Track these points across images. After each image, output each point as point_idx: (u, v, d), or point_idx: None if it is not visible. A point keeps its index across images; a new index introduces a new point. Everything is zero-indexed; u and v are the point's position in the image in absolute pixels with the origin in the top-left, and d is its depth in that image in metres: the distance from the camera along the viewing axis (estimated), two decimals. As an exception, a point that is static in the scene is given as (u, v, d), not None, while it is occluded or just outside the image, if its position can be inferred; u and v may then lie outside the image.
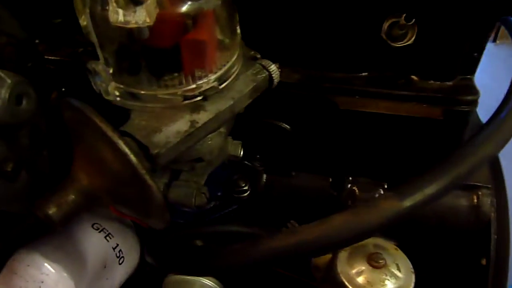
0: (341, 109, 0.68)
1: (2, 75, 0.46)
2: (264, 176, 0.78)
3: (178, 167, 0.60)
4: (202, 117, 0.46)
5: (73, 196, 0.39)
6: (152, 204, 0.39)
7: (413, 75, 0.69)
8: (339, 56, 0.69)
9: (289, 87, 0.69)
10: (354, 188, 0.76)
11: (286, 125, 0.74)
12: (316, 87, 0.69)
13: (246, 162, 0.78)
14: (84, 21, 0.46)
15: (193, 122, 0.45)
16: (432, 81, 0.68)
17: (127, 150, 0.35)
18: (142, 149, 0.42)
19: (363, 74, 0.70)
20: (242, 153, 0.67)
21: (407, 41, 0.65)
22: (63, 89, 0.70)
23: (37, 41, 0.79)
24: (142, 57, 0.45)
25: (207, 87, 0.47)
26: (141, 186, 0.37)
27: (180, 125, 0.45)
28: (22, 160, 0.53)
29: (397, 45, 0.65)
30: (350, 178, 0.76)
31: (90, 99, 0.54)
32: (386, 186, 0.75)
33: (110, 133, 0.35)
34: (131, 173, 0.36)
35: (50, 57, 0.75)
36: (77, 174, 0.39)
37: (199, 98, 0.47)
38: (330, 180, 0.77)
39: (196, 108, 0.47)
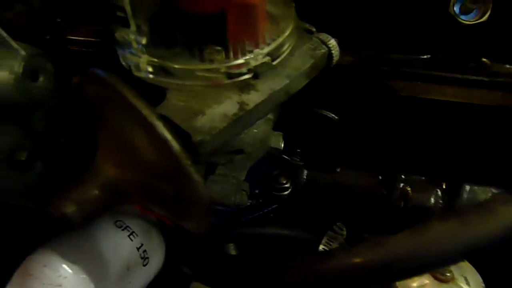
0: (401, 95, 0.59)
1: (16, 46, 0.39)
2: (305, 172, 0.70)
3: (214, 160, 0.51)
4: (253, 98, 0.38)
5: (96, 192, 0.31)
6: (195, 205, 0.31)
7: (484, 57, 0.60)
8: (398, 34, 0.59)
9: (338, 71, 0.60)
10: (407, 187, 0.67)
11: (332, 115, 0.65)
12: (371, 70, 0.60)
13: (285, 156, 0.69)
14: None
15: (242, 104, 0.37)
16: (508, 65, 0.59)
17: (168, 135, 0.27)
18: (181, 136, 0.34)
19: (426, 56, 0.61)
20: (283, 145, 0.59)
21: (479, 18, 0.55)
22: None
23: (58, 19, 0.73)
24: (181, 24, 0.37)
25: (258, 62, 0.39)
26: (183, 181, 0.29)
27: (227, 107, 0.37)
28: (37, 148, 0.46)
29: (468, 23, 0.56)
30: (403, 176, 0.67)
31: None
32: (444, 186, 0.67)
33: (146, 111, 0.27)
34: (172, 165, 0.28)
35: (71, 37, 0.68)
36: (101, 165, 0.31)
37: (248, 75, 0.39)
38: (380, 177, 0.68)
39: (246, 87, 0.38)
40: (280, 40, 0.40)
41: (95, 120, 0.33)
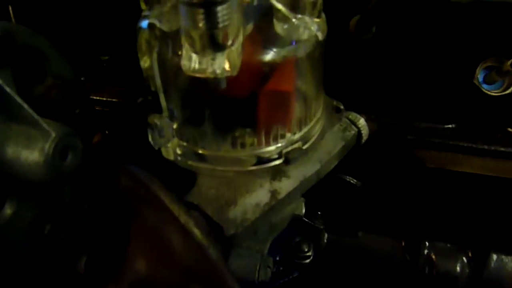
0: (427, 167, 0.58)
1: (46, 127, 0.38)
2: (326, 235, 0.68)
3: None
4: (285, 186, 0.37)
5: (128, 290, 0.30)
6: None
7: (510, 128, 0.59)
8: (424, 103, 0.59)
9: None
10: (432, 254, 0.65)
11: (355, 180, 0.64)
12: (396, 138, 0.59)
13: (306, 219, 0.68)
14: (145, 62, 0.39)
15: (274, 193, 0.36)
16: (537, 136, 0.58)
17: (205, 242, 0.26)
18: (213, 227, 0.33)
19: (452, 125, 0.60)
20: (304, 211, 0.58)
21: (504, 90, 0.55)
22: (107, 132, 0.64)
23: (82, 78, 0.74)
24: (213, 109, 0.37)
25: (289, 148, 0.38)
26: (219, 287, 0.28)
27: (259, 196, 0.36)
28: (61, 220, 0.45)
29: (493, 94, 0.55)
30: (427, 242, 0.65)
31: (135, 144, 0.46)
32: (470, 254, 0.64)
33: (183, 218, 0.26)
34: (210, 270, 0.27)
35: (95, 97, 0.69)
36: (133, 261, 0.30)
37: (279, 161, 0.38)
38: (403, 243, 0.66)
39: (277, 173, 0.38)
40: (311, 124, 0.40)
41: (126, 211, 0.33)
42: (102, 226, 0.41)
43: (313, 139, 0.41)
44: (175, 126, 0.38)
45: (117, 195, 0.33)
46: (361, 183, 0.64)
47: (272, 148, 0.38)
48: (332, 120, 0.43)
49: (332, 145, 0.41)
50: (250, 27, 0.36)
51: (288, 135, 0.39)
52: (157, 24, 0.35)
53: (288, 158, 0.38)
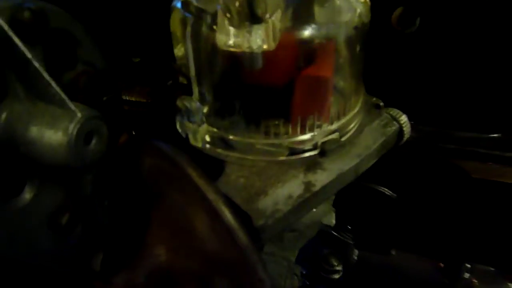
0: (472, 178, 0.53)
1: (73, 107, 0.37)
2: (356, 251, 0.64)
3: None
4: (321, 178, 0.34)
5: (143, 280, 0.27)
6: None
7: None
8: (465, 111, 0.55)
9: (403, 146, 0.56)
10: (473, 279, 0.60)
11: (390, 192, 0.60)
12: (436, 148, 0.55)
13: (335, 233, 0.64)
14: (180, 50, 0.37)
15: (308, 185, 0.33)
16: None
17: (235, 224, 0.23)
18: (242, 217, 0.30)
19: (497, 135, 0.56)
20: (334, 222, 0.54)
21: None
22: (133, 132, 0.62)
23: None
24: (246, 94, 0.35)
25: (325, 139, 0.35)
26: (247, 278, 0.25)
27: (292, 187, 0.33)
28: (79, 212, 0.43)
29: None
30: (468, 265, 0.60)
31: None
32: (516, 280, 0.59)
33: (212, 196, 0.23)
34: (237, 258, 0.24)
35: (124, 97, 0.68)
36: (153, 247, 0.28)
37: (314, 152, 0.35)
38: (441, 265, 0.61)
39: (312, 166, 0.35)
40: (349, 116, 0.37)
41: (148, 196, 0.30)
42: (121, 215, 0.39)
43: (351, 132, 0.38)
44: (205, 110, 0.36)
45: (139, 177, 0.31)
46: (397, 195, 0.60)
47: (307, 138, 0.35)
48: (371, 116, 0.40)
49: (372, 140, 0.38)
50: (290, 8, 0.34)
51: (325, 125, 0.36)
52: (193, 1, 0.33)
53: (324, 150, 0.35)
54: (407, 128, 0.40)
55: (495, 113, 0.55)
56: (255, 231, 0.30)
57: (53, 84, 0.36)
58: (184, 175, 0.25)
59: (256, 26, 0.30)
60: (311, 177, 0.34)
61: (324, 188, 0.34)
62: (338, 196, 0.55)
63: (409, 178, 0.58)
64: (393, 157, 0.57)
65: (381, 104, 0.43)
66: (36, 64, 0.35)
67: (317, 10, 0.34)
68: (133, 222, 0.33)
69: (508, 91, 0.52)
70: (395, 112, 0.41)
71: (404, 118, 0.40)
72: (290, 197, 0.32)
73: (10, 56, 0.31)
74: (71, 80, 0.47)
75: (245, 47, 0.30)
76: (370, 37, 0.46)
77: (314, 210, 0.42)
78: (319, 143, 0.35)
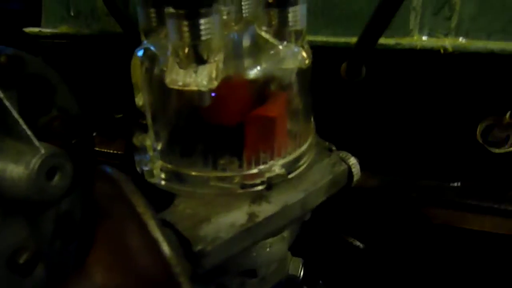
0: (434, 224, 0.54)
1: (37, 144, 0.39)
2: (328, 304, 0.63)
3: (224, 282, 0.47)
4: (265, 210, 0.35)
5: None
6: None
7: (523, 187, 0.56)
8: (427, 161, 0.58)
9: (365, 195, 0.58)
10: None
11: (358, 242, 0.61)
12: (398, 195, 0.57)
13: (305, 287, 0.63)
14: (140, 99, 0.41)
15: (252, 215, 0.35)
16: (551, 197, 0.55)
17: (159, 236, 0.24)
18: (183, 244, 0.31)
19: (457, 183, 0.58)
20: (302, 273, 0.53)
21: (510, 147, 0.54)
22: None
23: (94, 133, 0.77)
24: (199, 133, 0.38)
25: (273, 174, 0.37)
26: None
27: (236, 216, 0.34)
28: (40, 251, 0.44)
29: (498, 151, 0.54)
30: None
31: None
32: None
33: (141, 209, 0.25)
34: (162, 272, 0.25)
35: (102, 149, 0.71)
36: (91, 267, 0.28)
37: (261, 186, 0.37)
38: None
39: (258, 198, 0.36)
40: (296, 153, 0.39)
41: (95, 217, 0.32)
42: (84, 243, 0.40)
43: (299, 169, 0.40)
44: (159, 147, 0.38)
45: (92, 201, 0.32)
46: (364, 244, 0.61)
47: (254, 171, 0.37)
48: (322, 156, 0.43)
49: (319, 177, 0.40)
50: (240, 55, 0.38)
51: (273, 161, 0.38)
52: (151, 48, 0.37)
53: (271, 184, 0.37)
54: (356, 169, 0.42)
55: (455, 163, 0.57)
56: (195, 256, 0.31)
57: (21, 122, 0.39)
58: (121, 194, 0.27)
59: (201, 67, 0.33)
60: (256, 208, 0.35)
61: (267, 219, 0.35)
62: (308, 246, 0.56)
63: (375, 226, 0.59)
64: (360, 205, 0.59)
65: (333, 148, 0.45)
66: (7, 103, 0.38)
67: (264, 56, 0.37)
68: (81, 244, 0.34)
69: (464, 143, 0.55)
70: (344, 154, 0.43)
71: (352, 160, 0.43)
72: (232, 225, 0.33)
73: (-16, 95, 0.34)
74: (45, 123, 0.50)
75: (192, 86, 0.33)
76: (325, 88, 0.49)
77: (269, 249, 0.42)
78: (266, 178, 0.37)
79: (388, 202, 0.57)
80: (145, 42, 0.40)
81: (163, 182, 0.39)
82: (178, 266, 0.24)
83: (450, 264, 0.55)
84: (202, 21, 0.31)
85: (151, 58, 0.37)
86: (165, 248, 0.24)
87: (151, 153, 0.38)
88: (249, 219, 0.34)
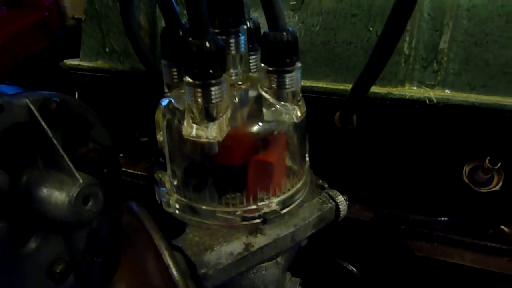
0: (417, 255, 0.60)
1: (77, 175, 0.48)
2: (324, 324, 0.69)
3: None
4: (259, 241, 0.43)
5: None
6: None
7: (503, 225, 0.61)
8: (417, 197, 0.64)
9: (360, 226, 0.64)
10: None
11: (352, 267, 0.67)
12: (390, 228, 0.63)
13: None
14: (161, 136, 0.49)
15: (248, 245, 0.42)
16: (528, 236, 0.60)
17: (171, 262, 0.32)
18: (190, 267, 0.39)
19: (444, 218, 0.63)
20: (300, 292, 0.60)
21: (493, 187, 0.59)
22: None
23: (121, 154, 0.87)
24: (209, 173, 0.45)
25: (268, 210, 0.45)
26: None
27: (234, 246, 0.42)
28: (73, 263, 0.52)
29: (482, 191, 0.59)
30: None
31: (157, 212, 0.54)
32: None
33: (158, 241, 0.33)
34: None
35: (128, 170, 0.80)
36: (117, 283, 0.36)
37: (258, 220, 0.44)
38: None
39: (254, 230, 0.44)
40: (290, 192, 0.47)
41: (121, 244, 0.40)
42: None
43: (291, 206, 0.47)
44: (175, 183, 0.46)
45: (119, 230, 0.40)
46: (359, 271, 0.67)
47: (253, 207, 0.45)
48: (314, 194, 0.50)
49: (309, 214, 0.47)
50: (245, 110, 0.46)
51: (269, 199, 0.45)
52: (173, 101, 0.45)
53: (266, 219, 0.44)
54: (343, 207, 0.49)
55: (442, 200, 0.63)
56: (198, 278, 0.39)
57: (65, 156, 0.47)
58: (143, 227, 0.35)
59: (211, 123, 0.41)
60: (252, 239, 0.43)
61: (261, 249, 0.42)
62: (307, 269, 0.62)
63: (368, 254, 0.65)
64: (355, 235, 0.65)
65: (326, 185, 0.52)
66: (55, 141, 0.47)
67: (265, 112, 0.45)
68: (108, 266, 0.42)
69: (450, 181, 0.60)
70: (333, 192, 0.50)
71: (340, 198, 0.49)
72: (231, 253, 0.41)
73: (37, 135, 0.43)
74: (82, 154, 0.58)
75: (203, 138, 0.41)
76: (325, 132, 0.56)
77: (264, 272, 0.50)
78: (263, 213, 0.45)
79: (380, 233, 0.63)
80: (168, 94, 0.48)
81: (177, 212, 0.46)
82: (184, 286, 0.32)
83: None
84: (212, 88, 0.39)
85: (172, 110, 0.45)
86: (175, 272, 0.32)
87: (168, 187, 0.46)
88: (245, 248, 0.42)
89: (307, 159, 0.51)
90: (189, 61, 0.38)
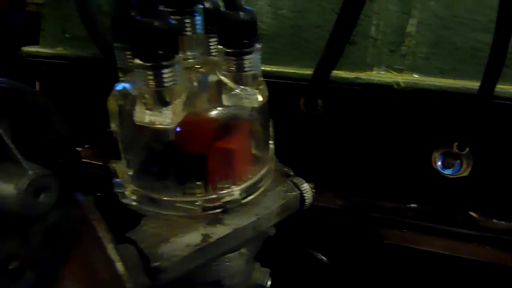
0: (386, 242, 0.59)
1: (26, 165, 0.45)
2: (295, 315, 0.67)
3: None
4: (218, 231, 0.41)
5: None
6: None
7: (472, 211, 0.61)
8: (387, 184, 0.63)
9: (330, 214, 0.63)
10: None
11: (323, 257, 0.66)
12: (361, 216, 0.62)
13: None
14: (115, 125, 0.46)
15: (206, 236, 0.40)
16: (495, 220, 0.59)
17: (115, 256, 0.30)
18: (144, 260, 0.37)
19: (414, 205, 0.63)
20: (269, 283, 0.58)
21: (462, 173, 0.58)
22: (99, 194, 0.70)
23: (87, 145, 0.83)
24: (167, 161, 0.43)
25: (230, 199, 0.43)
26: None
27: (192, 237, 0.40)
28: (29, 259, 0.49)
29: (451, 177, 0.59)
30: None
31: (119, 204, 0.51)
32: None
33: (102, 234, 0.30)
34: (119, 287, 0.30)
35: (93, 162, 0.77)
36: (63, 280, 0.34)
37: (218, 210, 0.43)
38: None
39: (213, 220, 0.42)
40: (252, 180, 0.45)
41: (69, 239, 0.37)
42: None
43: (254, 195, 0.45)
44: (130, 173, 0.44)
45: (67, 224, 0.38)
46: (329, 260, 0.66)
47: (213, 196, 0.43)
48: (277, 182, 0.48)
49: (272, 202, 0.45)
50: (205, 94, 0.44)
51: (230, 188, 0.43)
52: (127, 86, 0.43)
53: (226, 208, 0.43)
54: (308, 195, 0.47)
55: (412, 187, 0.62)
56: (153, 271, 0.36)
57: (12, 146, 0.44)
58: (88, 220, 0.32)
59: (165, 108, 0.39)
60: (210, 230, 0.41)
61: (220, 239, 0.40)
62: (277, 259, 0.61)
63: (338, 243, 0.64)
64: (325, 223, 0.64)
65: (291, 173, 0.50)
66: (0, 131, 0.44)
67: (224, 97, 0.43)
68: (54, 262, 0.40)
69: (420, 168, 0.59)
70: (298, 180, 0.48)
71: (305, 186, 0.48)
72: (187, 245, 0.39)
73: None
74: (36, 145, 0.55)
75: (157, 124, 0.39)
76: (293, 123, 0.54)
77: (228, 263, 0.48)
78: (222, 203, 0.43)
79: (350, 221, 0.62)
80: (122, 79, 0.45)
81: (133, 203, 0.44)
82: (131, 282, 0.30)
83: (400, 282, 0.60)
84: (164, 71, 0.37)
85: (125, 95, 0.42)
86: (120, 267, 0.30)
87: (123, 177, 0.44)
88: (203, 239, 0.40)
89: (272, 146, 0.49)
90: (137, 42, 0.36)
